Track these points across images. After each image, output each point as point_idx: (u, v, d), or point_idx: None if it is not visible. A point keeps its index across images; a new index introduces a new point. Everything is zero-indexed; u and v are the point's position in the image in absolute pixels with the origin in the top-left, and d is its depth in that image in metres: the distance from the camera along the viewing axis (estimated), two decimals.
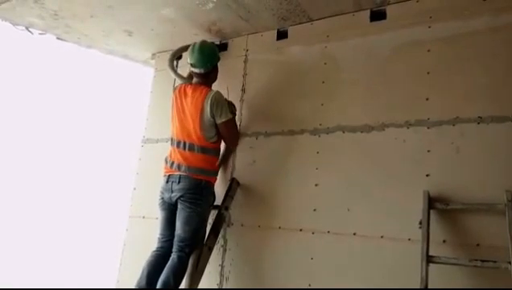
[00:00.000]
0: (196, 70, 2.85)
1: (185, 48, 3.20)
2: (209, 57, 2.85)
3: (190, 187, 2.67)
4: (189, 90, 2.83)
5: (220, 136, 2.85)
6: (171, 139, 2.88)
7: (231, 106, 2.89)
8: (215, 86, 3.22)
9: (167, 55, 3.72)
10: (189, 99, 2.78)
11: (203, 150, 2.74)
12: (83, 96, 9.87)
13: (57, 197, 8.94)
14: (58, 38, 3.73)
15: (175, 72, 3.30)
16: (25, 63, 9.21)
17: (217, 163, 2.90)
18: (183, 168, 2.71)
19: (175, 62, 3.40)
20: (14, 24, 3.47)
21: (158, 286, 2.53)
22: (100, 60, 4.93)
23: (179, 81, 3.18)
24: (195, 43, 2.89)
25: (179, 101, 2.86)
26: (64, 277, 6.23)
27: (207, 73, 2.86)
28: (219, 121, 2.75)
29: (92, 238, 7.92)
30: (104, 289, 4.83)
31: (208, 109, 2.70)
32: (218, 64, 2.99)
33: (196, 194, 2.67)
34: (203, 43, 2.89)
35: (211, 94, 2.73)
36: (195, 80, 2.90)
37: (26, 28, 3.53)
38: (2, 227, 7.72)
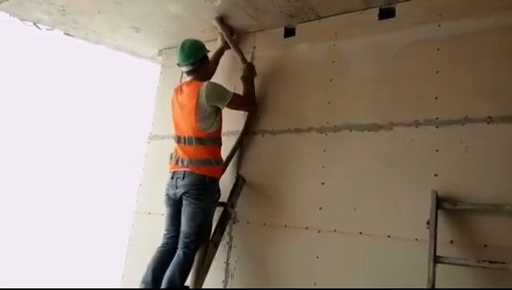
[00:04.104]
0: (184, 68, 2.88)
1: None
2: (190, 53, 2.82)
3: (194, 183, 2.67)
4: (184, 87, 2.88)
5: (219, 126, 2.86)
6: (174, 136, 2.90)
7: (249, 68, 3.01)
8: (221, 82, 3.23)
9: (174, 52, 3.71)
10: (184, 95, 2.83)
11: (201, 141, 2.75)
12: (90, 92, 9.90)
13: (64, 193, 9.00)
14: (65, 33, 3.74)
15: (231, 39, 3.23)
16: (32, 58, 9.26)
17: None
18: (186, 162, 2.73)
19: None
20: (22, 20, 3.48)
21: (163, 282, 2.53)
22: (107, 56, 4.93)
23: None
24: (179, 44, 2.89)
25: (175, 99, 2.91)
26: (70, 272, 6.27)
27: (194, 70, 2.85)
28: (224, 106, 2.81)
29: (98, 233, 7.96)
30: (107, 289, 4.85)
31: (205, 101, 2.71)
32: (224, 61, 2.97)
33: (200, 190, 2.67)
34: (185, 41, 2.85)
35: (203, 87, 2.73)
36: (188, 78, 2.92)
37: (34, 24, 3.55)
38: (9, 223, 7.78)
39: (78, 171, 9.46)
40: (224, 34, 3.20)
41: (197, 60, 2.83)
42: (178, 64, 2.89)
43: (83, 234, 8.00)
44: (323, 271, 2.53)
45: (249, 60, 3.23)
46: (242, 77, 3.06)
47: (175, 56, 2.90)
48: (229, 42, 3.22)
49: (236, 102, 2.87)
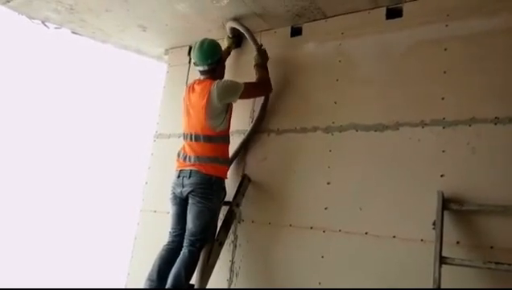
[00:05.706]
0: (200, 68, 2.89)
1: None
2: (208, 54, 2.84)
3: (201, 182, 2.68)
4: (196, 86, 2.89)
5: (228, 124, 2.87)
6: (183, 134, 2.92)
7: (262, 54, 3.02)
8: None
9: (181, 51, 3.76)
10: (195, 93, 2.85)
11: (209, 138, 2.77)
12: (96, 90, 9.94)
13: (70, 191, 9.05)
14: (73, 32, 3.76)
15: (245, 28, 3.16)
16: (40, 57, 9.31)
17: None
18: (193, 159, 2.75)
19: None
20: (31, 18, 3.51)
21: (169, 280, 2.55)
22: (114, 55, 4.95)
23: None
24: (196, 42, 2.91)
25: (187, 96, 2.93)
26: (76, 271, 6.31)
27: (210, 70, 2.87)
28: (237, 99, 2.82)
29: (103, 231, 8.00)
30: (110, 289, 4.86)
31: (216, 99, 2.73)
32: (230, 61, 2.97)
33: (206, 189, 2.69)
34: (203, 41, 2.88)
35: (214, 85, 2.75)
36: (201, 77, 2.93)
37: (42, 22, 3.57)
38: (13, 222, 7.83)
39: (84, 170, 9.51)
40: (240, 27, 3.14)
41: (214, 62, 2.86)
42: (194, 64, 2.90)
43: (89, 232, 8.04)
44: (328, 270, 2.52)
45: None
46: (255, 65, 3.05)
47: (182, 55, 2.91)
48: (244, 30, 3.14)
49: (249, 90, 2.87)
